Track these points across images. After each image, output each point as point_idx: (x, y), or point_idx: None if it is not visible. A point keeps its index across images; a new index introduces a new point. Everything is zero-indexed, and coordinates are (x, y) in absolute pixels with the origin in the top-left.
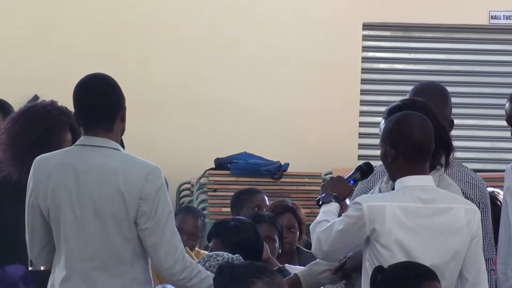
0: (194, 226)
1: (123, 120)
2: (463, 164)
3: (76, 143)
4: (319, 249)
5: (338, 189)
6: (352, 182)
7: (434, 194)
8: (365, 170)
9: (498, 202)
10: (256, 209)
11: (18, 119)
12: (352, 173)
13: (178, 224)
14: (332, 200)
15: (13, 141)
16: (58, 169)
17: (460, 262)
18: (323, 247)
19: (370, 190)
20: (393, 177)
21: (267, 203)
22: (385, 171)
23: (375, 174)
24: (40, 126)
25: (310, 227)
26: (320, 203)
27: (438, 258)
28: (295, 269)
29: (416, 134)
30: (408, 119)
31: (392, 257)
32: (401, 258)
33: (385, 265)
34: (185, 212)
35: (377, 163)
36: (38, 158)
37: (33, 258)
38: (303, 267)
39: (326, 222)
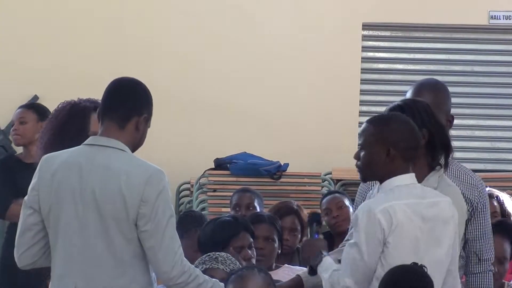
0: None
1: (137, 128)
2: (463, 164)
3: (84, 142)
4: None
5: (316, 246)
6: (316, 236)
7: (423, 190)
8: (317, 218)
9: (495, 201)
10: (237, 208)
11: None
12: (311, 229)
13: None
14: (322, 257)
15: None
16: (63, 167)
17: (452, 253)
18: (348, 284)
19: (369, 191)
20: (383, 179)
21: (253, 202)
22: None
23: None
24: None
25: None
26: (314, 267)
27: (442, 249)
28: (295, 269)
29: (416, 134)
30: (404, 118)
31: (403, 253)
32: (411, 253)
33: (395, 263)
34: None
35: None
36: (45, 156)
37: (16, 256)
38: (304, 268)
39: (336, 271)
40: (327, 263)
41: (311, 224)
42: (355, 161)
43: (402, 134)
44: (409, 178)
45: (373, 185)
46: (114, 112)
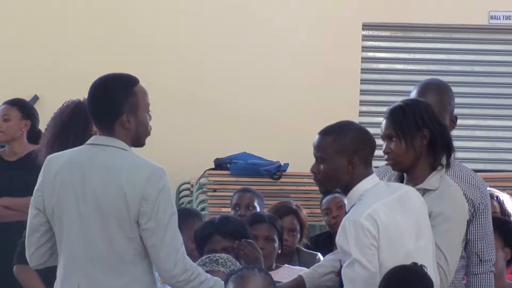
0: None
1: (124, 127)
2: (463, 164)
3: (87, 142)
4: None
5: None
6: None
7: (388, 186)
8: None
9: (495, 201)
10: (237, 208)
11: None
12: None
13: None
14: None
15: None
16: (66, 167)
17: (432, 239)
18: None
19: None
20: (347, 187)
21: (253, 202)
22: (386, 172)
23: (379, 174)
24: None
25: None
26: None
27: (425, 237)
28: (295, 269)
29: (372, 137)
30: (357, 125)
31: (392, 253)
32: (400, 251)
33: (387, 264)
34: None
35: (378, 163)
36: (49, 156)
37: (28, 256)
38: (304, 268)
39: None
40: None
41: None
42: None
43: (359, 141)
44: (372, 179)
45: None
46: (97, 119)
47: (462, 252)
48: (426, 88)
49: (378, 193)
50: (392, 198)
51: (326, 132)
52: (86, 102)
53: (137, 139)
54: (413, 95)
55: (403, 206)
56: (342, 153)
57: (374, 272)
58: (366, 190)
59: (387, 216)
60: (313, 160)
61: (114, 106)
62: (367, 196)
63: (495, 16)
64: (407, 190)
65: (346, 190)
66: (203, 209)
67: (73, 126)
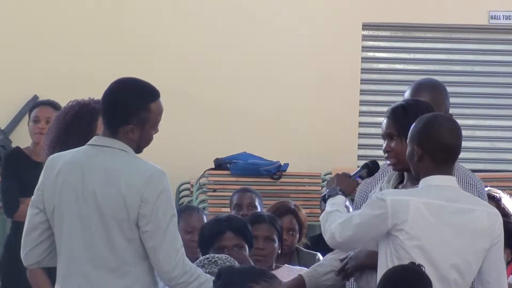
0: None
1: (126, 137)
2: (463, 164)
3: (88, 142)
4: (332, 240)
5: (343, 184)
6: (357, 178)
7: (458, 194)
8: (371, 168)
9: (496, 196)
10: (238, 208)
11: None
12: (359, 170)
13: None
14: (338, 193)
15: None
16: (66, 167)
17: (479, 265)
18: (337, 239)
19: (370, 191)
20: (418, 176)
21: (254, 201)
22: (385, 172)
23: (375, 176)
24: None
25: (320, 217)
26: (327, 197)
27: (459, 257)
28: (295, 269)
29: (445, 136)
30: (438, 120)
31: (411, 252)
32: (419, 254)
33: (403, 262)
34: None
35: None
36: (51, 156)
37: (22, 254)
38: (304, 267)
39: (338, 212)
40: (339, 201)
41: (364, 167)
42: (354, 161)
43: (432, 135)
44: (445, 179)
45: (374, 185)
46: (104, 117)
47: None
48: (420, 87)
49: (435, 192)
50: (448, 205)
51: (419, 117)
52: (91, 103)
53: (136, 148)
54: (407, 95)
55: (456, 218)
56: (412, 140)
57: (357, 227)
58: (432, 185)
59: (420, 215)
60: (312, 160)
61: (124, 113)
62: (423, 190)
63: (495, 16)
64: (476, 209)
65: (416, 177)
66: (203, 209)
67: (77, 127)
